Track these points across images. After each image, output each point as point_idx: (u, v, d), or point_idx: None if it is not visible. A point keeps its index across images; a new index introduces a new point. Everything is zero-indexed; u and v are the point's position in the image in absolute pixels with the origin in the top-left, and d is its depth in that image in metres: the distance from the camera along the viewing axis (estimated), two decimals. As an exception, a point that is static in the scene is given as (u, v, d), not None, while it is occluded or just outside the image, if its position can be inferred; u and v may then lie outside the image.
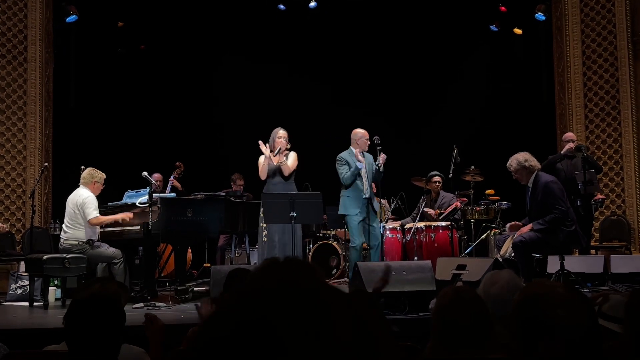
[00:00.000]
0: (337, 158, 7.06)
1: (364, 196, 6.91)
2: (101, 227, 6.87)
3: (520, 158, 6.15)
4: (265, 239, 6.89)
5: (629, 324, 1.89)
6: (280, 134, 6.98)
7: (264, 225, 6.87)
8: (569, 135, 7.95)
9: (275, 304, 0.81)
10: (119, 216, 6.74)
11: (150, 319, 2.76)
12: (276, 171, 6.94)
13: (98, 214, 6.64)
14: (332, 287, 0.88)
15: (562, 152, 7.64)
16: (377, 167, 6.91)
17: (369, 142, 7.07)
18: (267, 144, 6.97)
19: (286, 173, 6.91)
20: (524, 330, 1.48)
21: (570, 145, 7.55)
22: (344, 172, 6.94)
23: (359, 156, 6.97)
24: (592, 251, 8.06)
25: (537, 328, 1.45)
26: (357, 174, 6.91)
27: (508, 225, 6.54)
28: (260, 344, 0.78)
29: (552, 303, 1.46)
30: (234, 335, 0.80)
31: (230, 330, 0.80)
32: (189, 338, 2.92)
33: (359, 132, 7.11)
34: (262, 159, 7.02)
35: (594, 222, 8.27)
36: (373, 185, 8.24)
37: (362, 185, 6.94)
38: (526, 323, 1.48)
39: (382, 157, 6.88)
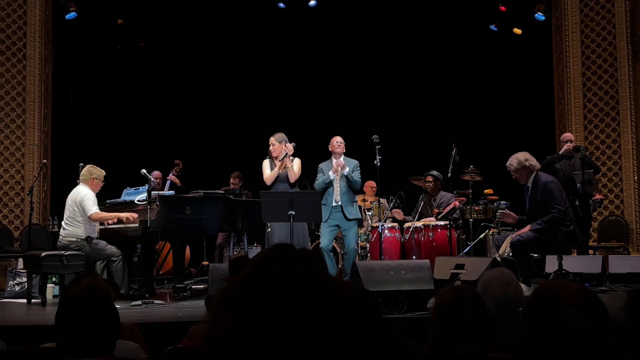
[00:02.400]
0: (318, 167, 7.29)
1: (334, 204, 7.09)
2: (101, 224, 6.86)
3: (521, 157, 6.15)
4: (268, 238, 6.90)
5: (629, 324, 1.89)
6: (273, 142, 7.06)
7: (269, 230, 6.91)
8: (567, 135, 7.96)
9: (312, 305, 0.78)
10: (123, 215, 6.70)
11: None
12: (281, 178, 6.97)
13: (98, 209, 6.64)
14: (354, 285, 0.86)
15: (560, 152, 7.65)
16: (344, 175, 7.08)
17: (340, 146, 7.21)
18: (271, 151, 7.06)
19: (292, 180, 6.96)
20: (533, 329, 1.48)
21: (569, 145, 7.56)
22: (317, 179, 7.21)
23: (336, 166, 7.06)
24: (590, 251, 8.07)
25: (547, 327, 1.45)
26: (328, 183, 7.10)
27: (499, 212, 6.53)
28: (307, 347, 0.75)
29: (564, 302, 1.46)
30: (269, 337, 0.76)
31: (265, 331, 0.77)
32: (190, 336, 2.92)
33: (333, 139, 7.32)
34: (266, 163, 7.05)
35: (592, 222, 8.27)
36: (374, 185, 8.23)
37: (333, 193, 7.12)
38: (537, 321, 1.48)
39: (335, 164, 7.03)
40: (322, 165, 7.30)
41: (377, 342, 0.79)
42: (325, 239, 7.10)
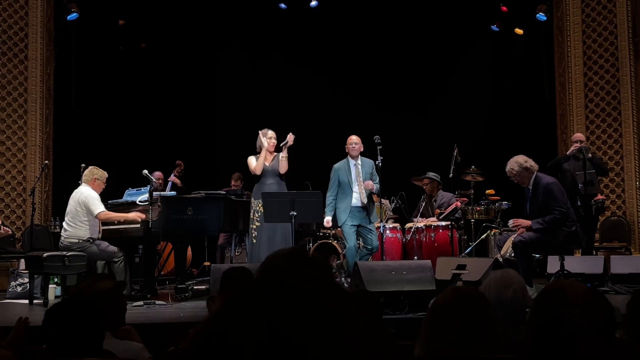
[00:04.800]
0: (332, 168, 7.19)
1: (357, 204, 7.03)
2: (102, 224, 6.86)
3: (520, 160, 6.14)
4: (255, 240, 6.90)
5: (631, 324, 1.89)
6: (271, 134, 7.10)
7: (255, 226, 6.91)
8: (578, 135, 7.93)
9: (284, 306, 0.77)
10: (130, 215, 6.69)
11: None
12: (270, 171, 6.98)
13: (104, 208, 6.64)
14: (337, 285, 0.85)
15: (567, 152, 7.64)
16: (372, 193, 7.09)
17: (357, 147, 7.13)
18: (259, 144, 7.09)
19: (283, 170, 6.97)
20: (539, 330, 1.47)
21: (576, 146, 7.55)
22: (331, 186, 7.11)
23: (368, 185, 7.02)
24: (592, 251, 8.05)
25: (552, 327, 1.45)
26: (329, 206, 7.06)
27: (512, 220, 6.48)
28: (274, 347, 0.75)
29: (570, 302, 1.45)
30: (244, 337, 0.76)
31: (241, 332, 0.76)
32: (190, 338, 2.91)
33: (349, 139, 7.22)
34: (253, 158, 7.09)
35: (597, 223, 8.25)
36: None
37: (351, 195, 7.04)
38: (542, 321, 1.48)
39: (367, 185, 7.03)
40: (336, 167, 7.16)
41: (354, 341, 0.78)
42: (352, 240, 7.04)
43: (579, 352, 1.41)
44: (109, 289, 2.50)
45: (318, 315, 0.78)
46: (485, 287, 2.60)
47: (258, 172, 7.02)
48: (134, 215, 6.66)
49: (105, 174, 6.86)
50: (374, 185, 7.06)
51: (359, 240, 7.26)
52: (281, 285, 0.80)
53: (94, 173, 6.79)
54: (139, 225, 6.59)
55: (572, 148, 7.58)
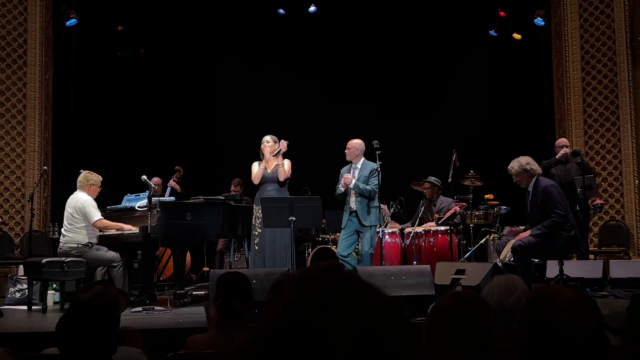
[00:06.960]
0: (340, 172, 7.14)
1: (351, 209, 6.94)
2: (101, 231, 6.86)
3: (522, 161, 6.18)
4: (257, 247, 6.89)
5: (630, 329, 1.89)
6: (268, 139, 7.07)
7: (257, 233, 6.91)
8: (563, 140, 7.94)
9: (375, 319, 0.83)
10: (126, 226, 6.72)
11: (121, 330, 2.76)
12: (270, 178, 6.97)
13: (101, 216, 6.65)
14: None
15: (556, 157, 7.61)
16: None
17: (349, 153, 7.00)
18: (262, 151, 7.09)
19: (282, 178, 6.92)
20: (529, 334, 1.48)
21: (565, 150, 7.54)
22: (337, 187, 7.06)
23: (343, 182, 6.94)
24: (591, 256, 8.04)
25: (543, 331, 1.46)
26: (342, 195, 6.98)
27: (506, 229, 6.56)
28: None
29: (559, 307, 1.46)
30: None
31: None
32: (188, 347, 2.90)
33: (348, 144, 7.10)
34: (256, 164, 7.08)
35: (592, 227, 8.25)
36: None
37: (349, 198, 6.96)
38: (532, 326, 1.48)
39: (343, 179, 6.94)
40: (342, 171, 7.13)
41: (417, 350, 0.85)
42: (341, 246, 6.97)
43: (572, 355, 1.42)
44: (116, 296, 2.50)
45: (400, 327, 0.84)
46: (487, 292, 2.60)
47: (256, 182, 7.01)
48: (129, 226, 6.70)
49: (100, 178, 6.86)
50: (352, 181, 6.87)
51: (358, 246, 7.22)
52: (379, 300, 0.86)
53: (89, 179, 6.78)
54: (137, 231, 6.58)
55: (561, 152, 7.55)
